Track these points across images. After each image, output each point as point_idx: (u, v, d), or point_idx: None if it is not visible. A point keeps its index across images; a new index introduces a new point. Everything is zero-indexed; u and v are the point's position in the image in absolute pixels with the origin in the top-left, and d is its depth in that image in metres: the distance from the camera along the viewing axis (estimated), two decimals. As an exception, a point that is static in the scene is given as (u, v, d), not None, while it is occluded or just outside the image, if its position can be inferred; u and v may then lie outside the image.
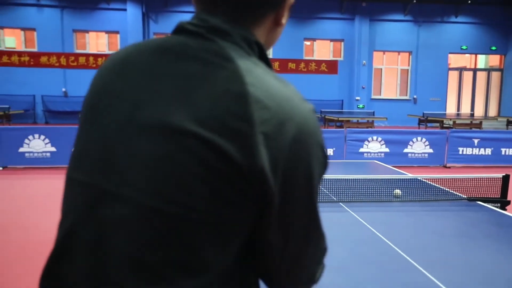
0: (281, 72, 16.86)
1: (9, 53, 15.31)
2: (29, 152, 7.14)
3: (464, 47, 17.61)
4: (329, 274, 1.40)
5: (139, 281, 0.58)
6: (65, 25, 15.54)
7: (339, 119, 12.07)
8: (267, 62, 0.73)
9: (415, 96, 17.70)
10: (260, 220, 0.63)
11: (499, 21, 17.35)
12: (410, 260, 1.51)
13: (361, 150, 7.87)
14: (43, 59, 15.35)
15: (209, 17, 0.67)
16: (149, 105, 0.61)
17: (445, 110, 17.69)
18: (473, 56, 18.25)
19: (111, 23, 15.82)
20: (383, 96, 17.88)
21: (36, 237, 3.57)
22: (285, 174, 0.60)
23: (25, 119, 15.05)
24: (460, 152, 7.96)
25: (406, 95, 17.95)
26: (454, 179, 2.65)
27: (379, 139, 7.89)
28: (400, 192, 2.44)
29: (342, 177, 2.67)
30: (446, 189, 2.63)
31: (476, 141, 7.99)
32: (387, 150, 7.92)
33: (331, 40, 17.31)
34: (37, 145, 7.14)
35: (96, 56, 15.73)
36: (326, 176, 2.93)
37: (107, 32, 16.02)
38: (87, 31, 15.84)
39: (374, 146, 7.89)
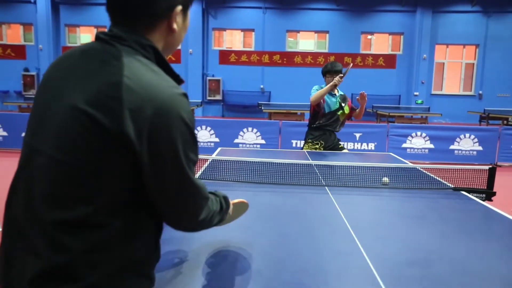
0: (336, 66, 16.75)
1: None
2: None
3: (539, 39, 16.26)
4: (273, 239, 1.62)
5: (49, 208, 0.90)
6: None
7: (390, 114, 11.81)
8: (161, 59, 1.01)
9: (480, 92, 16.71)
10: (138, 170, 0.92)
11: None
12: (352, 232, 1.70)
13: (404, 145, 7.76)
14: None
15: (113, 28, 0.99)
16: (62, 90, 0.94)
17: (514, 107, 16.50)
18: (550, 49, 16.77)
19: (173, 19, 16.69)
20: (444, 91, 17.09)
21: None
22: (149, 140, 0.89)
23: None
24: (514, 151, 7.56)
25: (471, 91, 16.99)
26: (444, 169, 2.73)
27: (423, 134, 7.72)
28: (388, 180, 2.58)
29: (335, 164, 2.86)
30: (438, 179, 2.72)
31: (532, 139, 7.53)
32: (431, 146, 7.73)
33: (390, 33, 16.84)
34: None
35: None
36: (321, 162, 3.12)
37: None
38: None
39: (418, 142, 7.74)
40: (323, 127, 4.06)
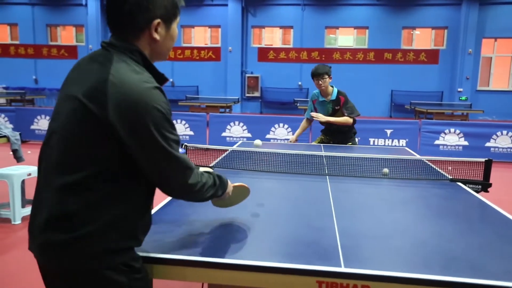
0: (376, 62, 16.56)
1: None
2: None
3: None
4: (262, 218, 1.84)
5: (58, 174, 1.19)
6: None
7: (428, 110, 11.57)
8: (146, 62, 1.28)
9: (531, 88, 15.87)
10: (124, 148, 1.19)
11: None
12: (333, 213, 1.89)
13: (437, 142, 7.67)
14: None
15: (111, 38, 1.27)
16: (72, 86, 1.23)
17: None
18: None
19: (214, 18, 17.19)
20: (491, 87, 16.39)
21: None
22: (130, 125, 1.16)
23: None
24: (555, 149, 7.25)
25: (521, 87, 16.18)
26: (448, 162, 2.83)
27: (457, 131, 7.59)
28: (388, 170, 2.73)
29: (339, 155, 3.03)
30: (439, 171, 2.82)
31: None
32: (465, 143, 7.59)
33: (433, 28, 16.37)
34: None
35: (199, 49, 17.33)
36: (327, 153, 3.28)
37: (210, 26, 17.46)
38: (192, 26, 17.46)
39: (452, 138, 7.62)
40: (328, 129, 4.50)
